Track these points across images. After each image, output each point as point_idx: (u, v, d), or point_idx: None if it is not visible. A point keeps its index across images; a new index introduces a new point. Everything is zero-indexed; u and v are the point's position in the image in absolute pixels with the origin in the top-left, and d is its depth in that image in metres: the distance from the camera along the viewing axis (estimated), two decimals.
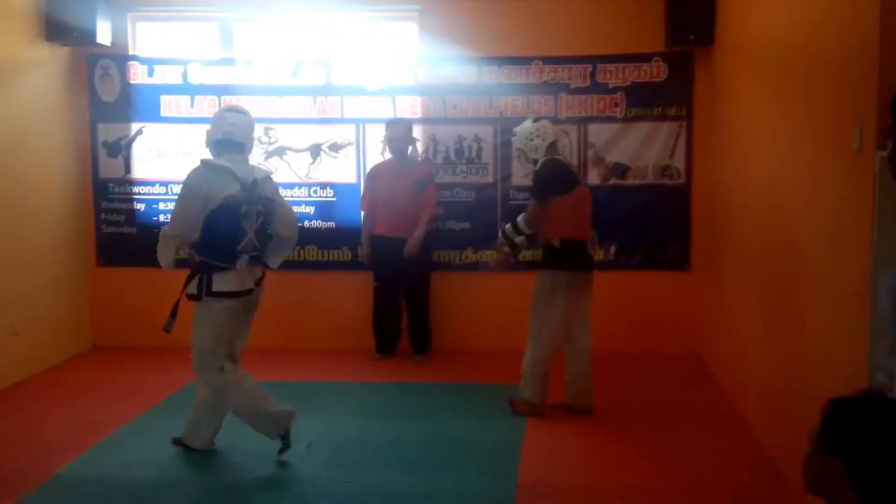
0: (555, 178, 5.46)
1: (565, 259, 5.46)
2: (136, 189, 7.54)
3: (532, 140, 5.58)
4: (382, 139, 7.05)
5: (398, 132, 6.88)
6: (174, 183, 7.45)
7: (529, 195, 5.79)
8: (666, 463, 4.83)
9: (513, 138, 5.82)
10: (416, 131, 7.29)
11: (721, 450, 5.01)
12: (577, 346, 5.54)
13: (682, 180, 7.19)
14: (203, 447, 4.93)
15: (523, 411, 5.54)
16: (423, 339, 7.10)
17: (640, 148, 7.17)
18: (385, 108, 7.29)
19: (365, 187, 7.09)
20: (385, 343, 7.11)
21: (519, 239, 5.60)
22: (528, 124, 5.69)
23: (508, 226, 5.67)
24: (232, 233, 4.66)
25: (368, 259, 7.00)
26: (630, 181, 7.20)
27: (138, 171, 7.53)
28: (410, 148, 7.02)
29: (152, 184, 7.51)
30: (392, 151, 6.93)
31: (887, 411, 1.78)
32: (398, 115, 7.21)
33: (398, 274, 6.90)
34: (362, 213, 7.11)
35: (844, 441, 1.77)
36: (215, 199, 4.60)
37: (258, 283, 4.86)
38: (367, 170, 7.14)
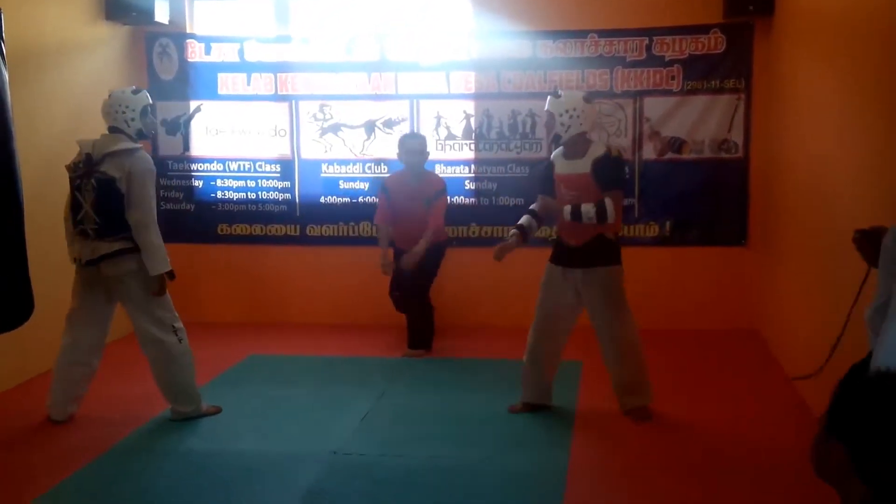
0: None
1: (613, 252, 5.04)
2: (194, 166, 7.66)
3: (571, 116, 4.86)
4: (397, 153, 6.63)
5: (415, 146, 6.54)
6: (232, 160, 7.57)
7: (608, 183, 4.89)
8: (721, 442, 4.79)
9: (552, 97, 5.01)
10: (471, 106, 7.27)
11: (776, 426, 4.95)
12: (604, 344, 5.12)
13: (740, 154, 7.07)
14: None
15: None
16: (421, 336, 6.69)
17: (697, 122, 7.06)
18: (439, 84, 7.29)
19: (381, 199, 6.69)
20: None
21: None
22: (578, 97, 4.98)
23: (590, 211, 4.84)
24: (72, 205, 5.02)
25: (391, 268, 6.62)
26: (686, 155, 7.11)
27: (196, 148, 7.65)
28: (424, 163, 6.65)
29: (210, 161, 7.63)
30: (407, 165, 6.54)
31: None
32: (451, 91, 7.25)
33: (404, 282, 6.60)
34: (376, 225, 6.74)
35: (847, 426, 1.60)
36: None
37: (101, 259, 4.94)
38: (381, 183, 6.84)
